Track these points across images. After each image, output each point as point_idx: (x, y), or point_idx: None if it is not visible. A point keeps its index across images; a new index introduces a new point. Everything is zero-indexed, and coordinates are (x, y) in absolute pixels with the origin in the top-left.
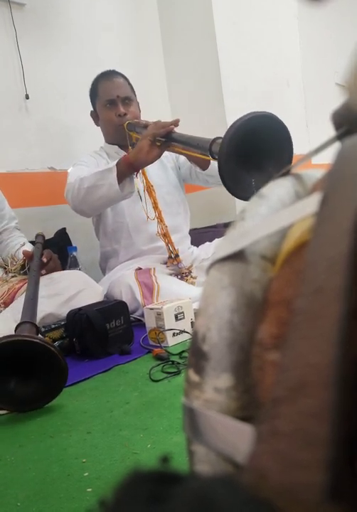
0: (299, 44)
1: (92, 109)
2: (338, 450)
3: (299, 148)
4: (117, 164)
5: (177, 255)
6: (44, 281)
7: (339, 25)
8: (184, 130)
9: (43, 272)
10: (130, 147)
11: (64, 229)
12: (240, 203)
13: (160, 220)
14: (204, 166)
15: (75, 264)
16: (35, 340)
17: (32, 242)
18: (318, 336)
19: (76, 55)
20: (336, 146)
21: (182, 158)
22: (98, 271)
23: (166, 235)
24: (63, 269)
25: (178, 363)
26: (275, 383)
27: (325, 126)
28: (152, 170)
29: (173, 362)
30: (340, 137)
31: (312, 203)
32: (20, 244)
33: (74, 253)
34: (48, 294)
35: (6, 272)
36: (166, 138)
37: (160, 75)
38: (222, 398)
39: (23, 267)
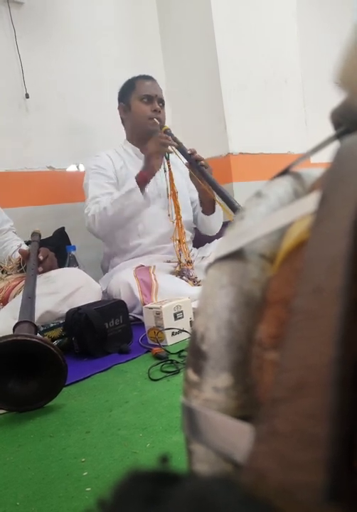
0: (298, 42)
1: (122, 103)
2: (337, 450)
3: (298, 146)
4: (138, 183)
5: (189, 262)
6: (41, 279)
7: (338, 23)
8: (182, 128)
9: (40, 269)
10: (167, 161)
11: (63, 228)
12: (239, 202)
13: (179, 226)
14: (208, 212)
15: (74, 263)
16: (35, 340)
17: (28, 243)
18: (317, 335)
19: (75, 54)
20: (335, 144)
21: (194, 194)
22: (97, 270)
23: (180, 241)
24: (62, 268)
25: (177, 362)
26: (274, 383)
27: (324, 125)
28: (175, 176)
29: (172, 361)
30: (339, 136)
31: (311, 202)
32: (17, 246)
33: (73, 252)
34: (45, 291)
35: (2, 271)
36: (198, 169)
37: (159, 74)
38: (221, 397)
39: (19, 266)
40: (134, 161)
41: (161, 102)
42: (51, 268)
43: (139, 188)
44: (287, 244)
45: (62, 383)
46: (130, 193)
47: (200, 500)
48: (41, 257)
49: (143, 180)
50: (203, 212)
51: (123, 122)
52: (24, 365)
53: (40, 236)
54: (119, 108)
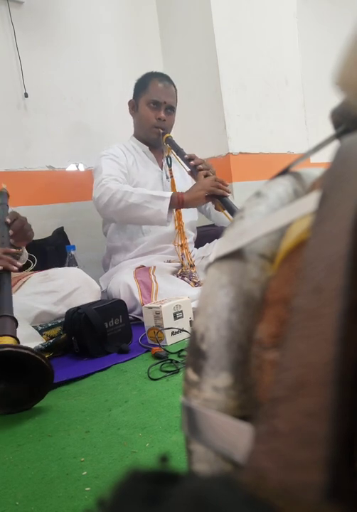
0: (298, 42)
1: (132, 99)
2: (337, 449)
3: (298, 146)
4: (171, 198)
5: (192, 265)
6: (40, 278)
7: (338, 23)
8: (182, 128)
9: (11, 232)
10: (169, 168)
11: (62, 228)
12: (239, 202)
13: (181, 232)
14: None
15: (73, 263)
16: (11, 349)
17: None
18: (317, 334)
19: (75, 53)
20: (335, 144)
21: None
22: (96, 270)
23: (183, 246)
24: (61, 267)
25: (177, 362)
26: (274, 382)
27: (324, 125)
28: (177, 181)
29: (171, 360)
30: (339, 136)
31: (311, 202)
32: None
33: (72, 252)
34: (43, 290)
35: None
36: (219, 198)
37: None
38: (220, 397)
39: None
40: (143, 160)
41: (170, 108)
42: (22, 230)
43: (169, 202)
44: (287, 243)
45: (48, 384)
46: (159, 200)
47: (199, 499)
48: (9, 220)
49: (178, 201)
50: (215, 208)
51: (132, 116)
52: (14, 368)
53: (8, 196)
54: (129, 103)
